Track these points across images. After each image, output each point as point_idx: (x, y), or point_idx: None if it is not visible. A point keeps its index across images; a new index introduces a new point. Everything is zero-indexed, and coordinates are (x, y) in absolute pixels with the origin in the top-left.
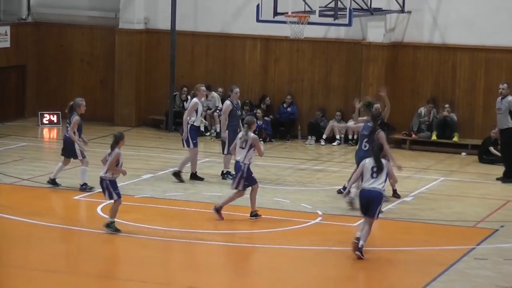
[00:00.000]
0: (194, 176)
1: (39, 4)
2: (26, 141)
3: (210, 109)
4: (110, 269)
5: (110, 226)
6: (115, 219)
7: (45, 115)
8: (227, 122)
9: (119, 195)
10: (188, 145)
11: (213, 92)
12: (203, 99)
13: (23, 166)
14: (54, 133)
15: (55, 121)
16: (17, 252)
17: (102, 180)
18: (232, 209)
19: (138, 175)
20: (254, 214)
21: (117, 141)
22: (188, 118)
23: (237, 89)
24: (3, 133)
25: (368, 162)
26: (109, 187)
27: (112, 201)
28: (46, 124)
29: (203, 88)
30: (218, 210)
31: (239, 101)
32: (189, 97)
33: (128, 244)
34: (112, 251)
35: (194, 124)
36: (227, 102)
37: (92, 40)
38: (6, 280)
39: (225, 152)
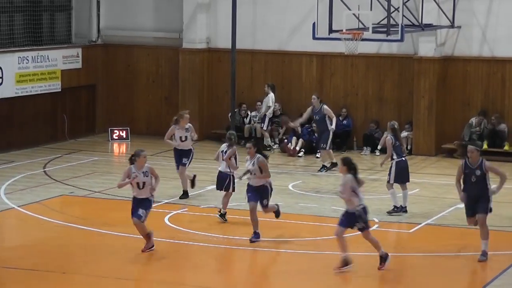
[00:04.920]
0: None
1: (108, 27)
2: (97, 156)
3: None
4: (178, 276)
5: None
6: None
7: (115, 131)
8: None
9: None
10: None
11: (271, 93)
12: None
13: (95, 180)
14: (123, 148)
15: (124, 136)
16: (89, 260)
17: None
18: (290, 217)
19: (202, 187)
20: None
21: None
22: None
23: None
24: (75, 149)
25: None
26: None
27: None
28: (116, 139)
29: (187, 116)
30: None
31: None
32: (249, 112)
33: (194, 252)
34: (179, 259)
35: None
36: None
37: (157, 60)
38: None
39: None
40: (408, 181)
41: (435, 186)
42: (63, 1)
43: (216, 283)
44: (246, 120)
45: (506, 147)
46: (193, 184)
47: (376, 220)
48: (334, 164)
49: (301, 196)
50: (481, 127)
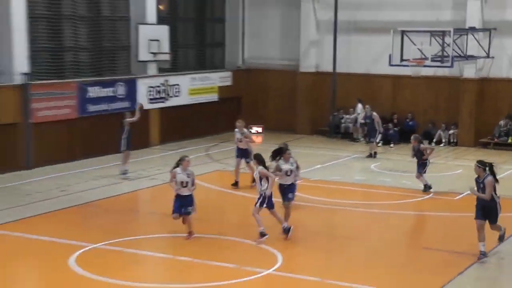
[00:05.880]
0: None
1: (250, 57)
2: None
3: (356, 120)
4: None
5: None
6: None
7: (254, 127)
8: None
9: None
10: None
11: (359, 104)
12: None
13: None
14: (259, 139)
15: (260, 131)
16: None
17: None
18: (372, 187)
19: (311, 165)
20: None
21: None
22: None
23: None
24: (227, 139)
25: None
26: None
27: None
28: (254, 133)
29: (239, 124)
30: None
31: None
32: (343, 115)
33: (303, 212)
34: (293, 221)
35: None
36: None
37: (282, 79)
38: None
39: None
40: None
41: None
42: (220, 39)
43: (316, 236)
44: (342, 121)
45: None
46: (236, 185)
47: (432, 191)
48: (374, 154)
49: (379, 174)
50: (507, 127)
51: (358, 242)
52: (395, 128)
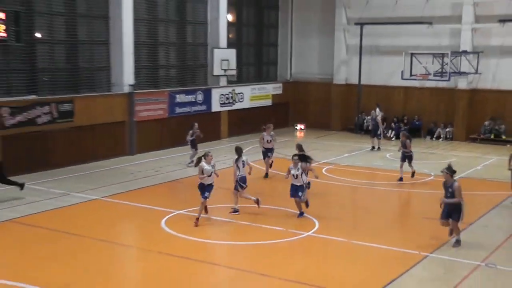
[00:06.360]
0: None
1: (296, 72)
2: (288, 137)
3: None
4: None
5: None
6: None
7: (298, 125)
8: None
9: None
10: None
11: (377, 108)
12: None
13: (287, 149)
14: (302, 134)
15: (303, 128)
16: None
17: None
18: (387, 171)
19: (341, 154)
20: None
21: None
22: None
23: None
24: (279, 133)
25: None
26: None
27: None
28: (298, 129)
29: (270, 127)
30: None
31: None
32: (365, 117)
33: (335, 189)
34: (327, 196)
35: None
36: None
37: (320, 89)
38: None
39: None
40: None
41: (465, 158)
42: (274, 59)
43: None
44: (365, 121)
45: (503, 137)
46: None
47: (432, 174)
48: (377, 146)
49: (393, 161)
50: (490, 126)
51: (375, 212)
52: (405, 127)
